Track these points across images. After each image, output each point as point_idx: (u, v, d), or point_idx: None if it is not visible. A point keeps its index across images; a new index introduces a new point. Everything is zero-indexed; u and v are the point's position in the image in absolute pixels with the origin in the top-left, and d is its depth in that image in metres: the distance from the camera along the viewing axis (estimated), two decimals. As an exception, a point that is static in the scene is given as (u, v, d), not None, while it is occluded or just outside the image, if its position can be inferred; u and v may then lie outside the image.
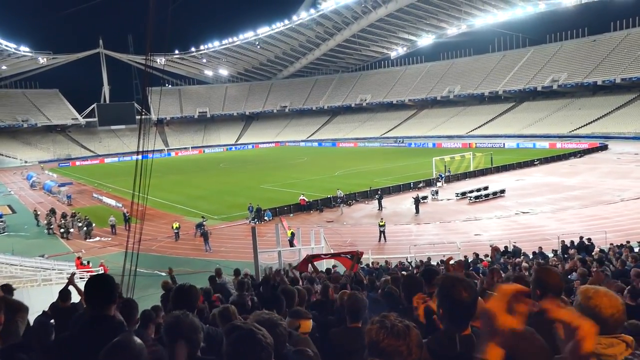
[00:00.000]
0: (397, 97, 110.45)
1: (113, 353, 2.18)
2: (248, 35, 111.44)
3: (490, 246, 20.83)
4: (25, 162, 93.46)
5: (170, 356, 2.53)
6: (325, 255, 14.37)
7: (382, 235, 27.50)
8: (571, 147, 61.87)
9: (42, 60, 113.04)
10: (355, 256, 9.70)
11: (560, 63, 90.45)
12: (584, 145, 61.90)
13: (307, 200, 36.86)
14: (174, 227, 30.73)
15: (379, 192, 37.34)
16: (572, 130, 73.17)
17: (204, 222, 31.69)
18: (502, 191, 37.32)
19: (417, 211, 33.49)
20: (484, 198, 36.13)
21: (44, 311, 5.79)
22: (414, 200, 34.27)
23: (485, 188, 37.79)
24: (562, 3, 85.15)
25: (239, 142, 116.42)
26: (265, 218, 33.64)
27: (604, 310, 2.35)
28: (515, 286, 1.98)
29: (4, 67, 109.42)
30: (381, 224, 27.87)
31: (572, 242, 19.36)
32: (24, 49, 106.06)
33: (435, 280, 2.91)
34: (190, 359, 2.51)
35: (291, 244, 25.24)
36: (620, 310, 2.39)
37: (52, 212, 37.44)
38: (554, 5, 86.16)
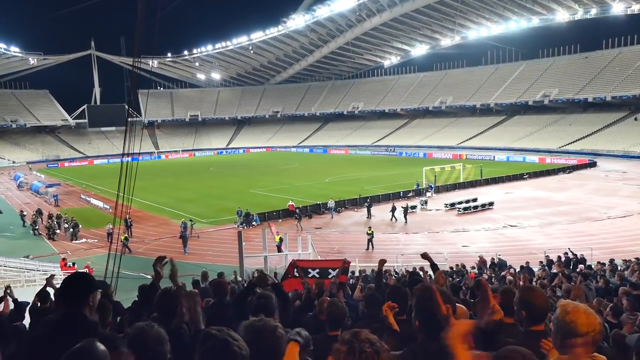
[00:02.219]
0: (389, 106, 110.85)
1: (74, 359, 2.09)
2: (241, 40, 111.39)
3: (479, 257, 20.96)
4: (13, 162, 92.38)
5: None
6: (311, 261, 14.30)
7: (369, 243, 27.52)
8: (560, 163, 62.34)
9: (33, 61, 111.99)
10: (342, 266, 9.55)
11: (552, 78, 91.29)
12: (572, 161, 62.36)
13: (295, 206, 36.80)
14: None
15: (368, 200, 37.37)
16: (562, 146, 73.76)
17: (192, 225, 31.59)
18: (491, 204, 37.49)
19: (406, 221, 33.56)
20: (472, 210, 36.26)
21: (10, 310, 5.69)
22: (402, 209, 34.37)
23: (474, 200, 37.93)
24: (555, 19, 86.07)
25: (230, 146, 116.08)
26: (254, 223, 33.55)
27: (580, 328, 2.32)
28: (469, 324, 1.95)
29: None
30: (369, 232, 27.88)
31: (559, 257, 19.43)
32: (14, 50, 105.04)
33: (413, 291, 2.88)
34: None
35: (279, 250, 25.16)
36: (597, 330, 2.35)
37: (39, 212, 37.06)
38: (547, 20, 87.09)
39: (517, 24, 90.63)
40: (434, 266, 5.45)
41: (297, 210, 35.21)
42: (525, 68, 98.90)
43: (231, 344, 2.00)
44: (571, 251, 20.28)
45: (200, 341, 2.03)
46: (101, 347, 2.18)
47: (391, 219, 34.68)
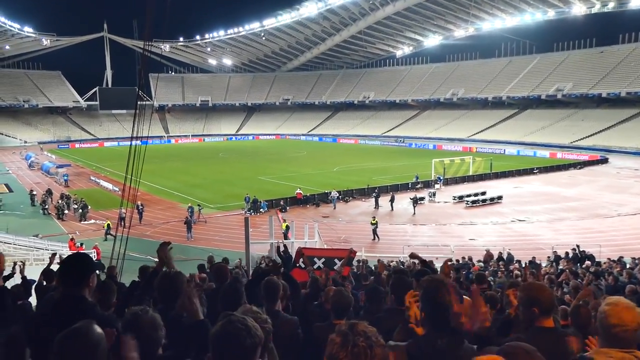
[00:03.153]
0: (400, 97, 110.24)
1: (68, 340, 2.06)
2: (254, 26, 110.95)
3: (486, 251, 20.87)
4: (25, 142, 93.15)
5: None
6: (317, 249, 14.28)
7: (374, 233, 27.52)
8: (571, 158, 61.75)
9: (46, 41, 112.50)
10: (347, 257, 9.46)
11: (566, 72, 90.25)
12: (584, 157, 61.78)
13: (303, 194, 36.84)
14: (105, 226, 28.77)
15: (376, 190, 37.29)
16: (574, 141, 73.06)
17: (199, 210, 31.73)
18: (500, 197, 37.28)
19: (414, 212, 33.51)
20: (480, 203, 36.10)
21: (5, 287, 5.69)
22: (411, 200, 34.31)
23: (483, 193, 37.74)
24: (571, 12, 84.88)
25: (239, 132, 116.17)
26: (261, 209, 33.62)
27: (612, 319, 2.30)
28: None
29: (7, 47, 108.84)
30: (373, 222, 27.85)
31: (566, 253, 19.31)
32: (28, 30, 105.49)
33: (420, 282, 2.84)
34: (150, 357, 2.37)
35: (285, 237, 25.20)
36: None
37: (49, 192, 37.37)
38: (564, 13, 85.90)
39: (532, 17, 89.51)
40: (423, 263, 5.37)
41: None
42: (539, 61, 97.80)
43: (246, 323, 2.00)
44: (579, 248, 20.12)
45: (218, 321, 2.02)
46: (98, 329, 2.16)
47: (375, 207, 35.06)
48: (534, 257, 18.94)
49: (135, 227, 28.49)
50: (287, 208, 34.85)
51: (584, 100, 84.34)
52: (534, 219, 31.56)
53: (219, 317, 2.06)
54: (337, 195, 36.95)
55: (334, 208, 35.62)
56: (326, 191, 38.05)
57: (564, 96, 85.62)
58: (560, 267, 16.34)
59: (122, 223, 27.72)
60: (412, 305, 3.47)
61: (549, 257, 19.73)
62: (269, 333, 2.36)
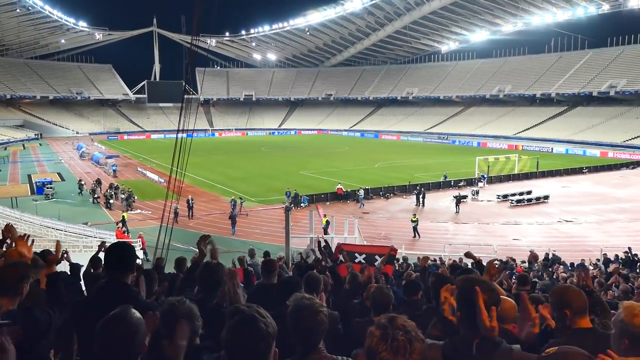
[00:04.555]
0: (444, 93, 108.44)
1: (107, 326, 2.14)
2: (298, 21, 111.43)
3: (530, 251, 20.31)
4: (77, 133, 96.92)
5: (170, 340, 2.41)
6: (357, 245, 14.27)
7: (415, 231, 27.25)
8: (624, 158, 59.30)
9: (98, 35, 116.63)
10: (388, 254, 9.30)
11: (619, 68, 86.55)
12: (637, 156, 59.22)
13: (344, 189, 36.80)
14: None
15: (418, 187, 36.87)
16: (627, 140, 70.07)
17: (241, 203, 32.13)
18: (546, 197, 36.21)
19: (458, 210, 32.98)
20: (526, 202, 35.17)
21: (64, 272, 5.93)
22: (454, 198, 33.74)
23: (529, 192, 36.73)
24: (627, 5, 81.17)
25: (282, 127, 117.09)
26: (302, 204, 33.81)
27: None
28: None
29: (62, 41, 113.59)
30: (413, 219, 27.56)
31: (616, 256, 18.58)
32: (82, 25, 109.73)
33: (456, 281, 2.80)
34: (187, 347, 2.43)
35: (325, 232, 25.27)
36: None
37: (98, 182, 38.75)
38: (619, 6, 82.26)
39: (585, 10, 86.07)
40: (478, 263, 5.28)
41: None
42: (591, 57, 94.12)
43: (258, 320, 2.01)
44: (631, 250, 19.32)
45: (229, 315, 2.06)
46: (136, 314, 2.22)
47: (417, 204, 34.62)
48: (582, 260, 18.32)
49: (183, 220, 29.15)
50: (328, 202, 34.94)
51: (639, 98, 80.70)
52: (582, 220, 30.50)
53: (229, 312, 2.09)
54: (363, 194, 35.35)
55: (361, 207, 34.19)
56: (367, 187, 37.80)
57: (617, 93, 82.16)
58: (610, 270, 15.74)
59: (176, 218, 28.33)
60: (447, 300, 3.43)
61: (597, 259, 19.02)
62: (326, 316, 2.40)
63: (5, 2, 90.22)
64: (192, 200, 31.83)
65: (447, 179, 41.98)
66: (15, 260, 3.55)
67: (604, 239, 25.13)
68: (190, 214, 31.21)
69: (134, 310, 2.23)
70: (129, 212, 32.92)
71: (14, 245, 4.16)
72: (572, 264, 17.84)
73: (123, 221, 27.51)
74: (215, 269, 3.96)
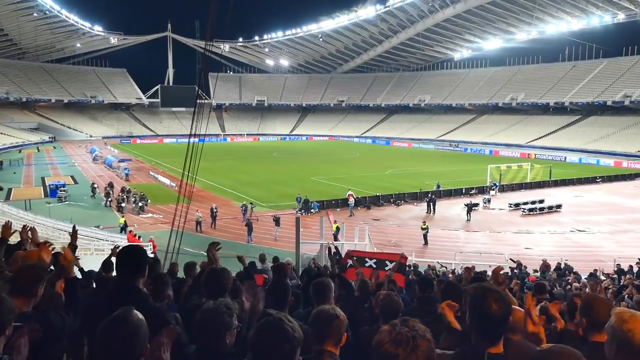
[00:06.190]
0: (457, 100, 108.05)
1: (107, 327, 2.15)
2: (311, 28, 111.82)
3: (542, 261, 20.10)
4: (91, 136, 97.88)
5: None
6: (367, 252, 14.22)
7: (425, 238, 27.12)
8: (638, 168, 58.64)
9: (113, 40, 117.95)
10: (398, 262, 9.20)
11: (635, 78, 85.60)
12: (652, 166, 58.56)
13: (355, 196, 36.72)
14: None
15: (429, 195, 36.69)
16: (641, 150, 69.29)
17: (252, 208, 32.16)
18: (559, 206, 35.87)
19: (469, 218, 32.76)
20: (538, 211, 34.85)
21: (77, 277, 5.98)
22: (466, 206, 33.52)
23: (541, 201, 36.41)
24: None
25: (293, 132, 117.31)
26: (312, 210, 33.79)
27: (637, 337, 2.17)
28: None
29: (78, 45, 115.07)
30: (423, 227, 27.43)
31: (630, 266, 18.31)
32: (98, 29, 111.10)
33: (467, 289, 2.78)
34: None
35: (335, 238, 25.22)
36: None
37: (111, 185, 39.06)
38: (635, 16, 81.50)
39: (600, 19, 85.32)
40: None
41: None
42: (606, 66, 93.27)
43: (285, 323, 2.05)
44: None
45: (257, 318, 2.09)
46: (137, 315, 2.23)
47: (427, 212, 34.43)
48: (595, 270, 18.10)
49: (208, 231, 29.08)
50: (339, 209, 34.92)
51: (655, 108, 79.82)
52: (595, 230, 30.16)
53: (260, 317, 2.12)
54: (353, 203, 34.79)
55: (351, 214, 33.83)
56: (378, 194, 37.69)
57: (632, 102, 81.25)
58: (623, 281, 15.51)
59: (199, 227, 28.39)
60: (447, 313, 3.40)
61: (614, 270, 18.75)
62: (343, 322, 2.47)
63: (22, 7, 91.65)
64: (215, 209, 30.75)
65: (439, 188, 40.69)
66: (33, 263, 3.59)
67: (617, 249, 24.81)
68: (213, 224, 30.24)
69: (135, 312, 2.24)
70: (139, 215, 33.18)
71: (33, 247, 4.21)
72: (590, 274, 17.63)
73: (124, 227, 27.92)
74: (220, 275, 3.94)
